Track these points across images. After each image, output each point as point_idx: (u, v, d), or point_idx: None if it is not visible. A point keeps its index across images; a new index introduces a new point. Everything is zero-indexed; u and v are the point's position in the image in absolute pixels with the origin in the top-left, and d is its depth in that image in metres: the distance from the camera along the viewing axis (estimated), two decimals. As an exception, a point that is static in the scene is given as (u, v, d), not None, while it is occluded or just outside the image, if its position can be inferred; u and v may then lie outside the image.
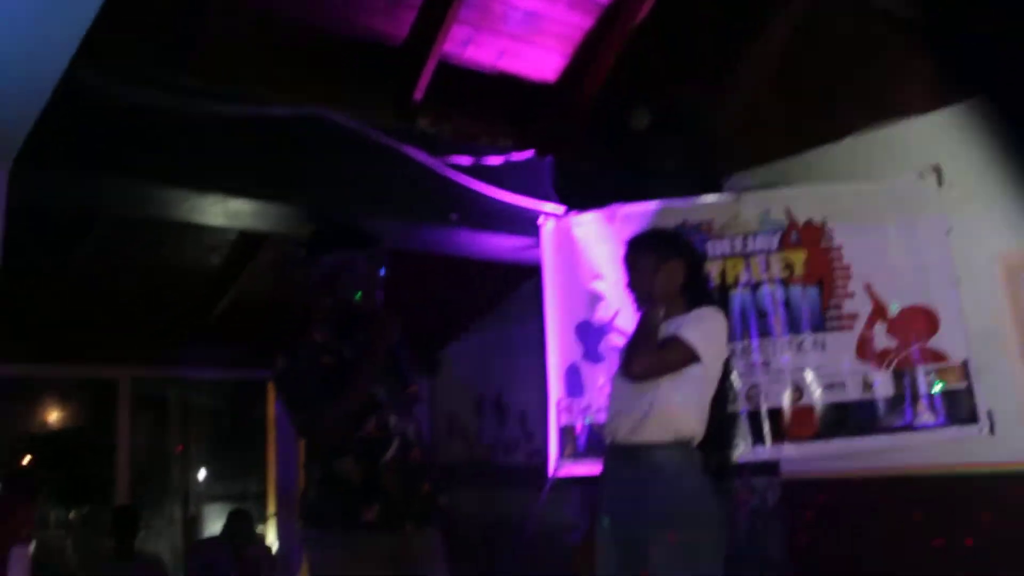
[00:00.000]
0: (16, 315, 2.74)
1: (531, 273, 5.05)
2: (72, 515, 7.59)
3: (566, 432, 4.08)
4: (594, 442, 3.98)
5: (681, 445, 2.63)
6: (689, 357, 2.64)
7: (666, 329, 2.73)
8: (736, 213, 4.02)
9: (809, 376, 3.88)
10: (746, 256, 3.99)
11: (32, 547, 3.30)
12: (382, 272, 2.81)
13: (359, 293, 2.75)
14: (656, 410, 2.63)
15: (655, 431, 2.63)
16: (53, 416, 7.72)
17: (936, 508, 3.73)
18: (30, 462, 6.90)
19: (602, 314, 4.08)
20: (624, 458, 2.67)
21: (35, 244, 4.03)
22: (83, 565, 6.17)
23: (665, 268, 2.77)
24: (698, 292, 2.83)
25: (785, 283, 3.96)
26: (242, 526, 5.51)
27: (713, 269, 3.98)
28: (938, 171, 3.85)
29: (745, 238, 4.00)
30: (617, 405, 2.76)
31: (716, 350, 2.71)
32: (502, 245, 4.34)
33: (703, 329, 2.68)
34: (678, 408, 2.64)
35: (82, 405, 7.74)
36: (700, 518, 2.57)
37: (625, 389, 2.72)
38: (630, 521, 2.62)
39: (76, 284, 4.86)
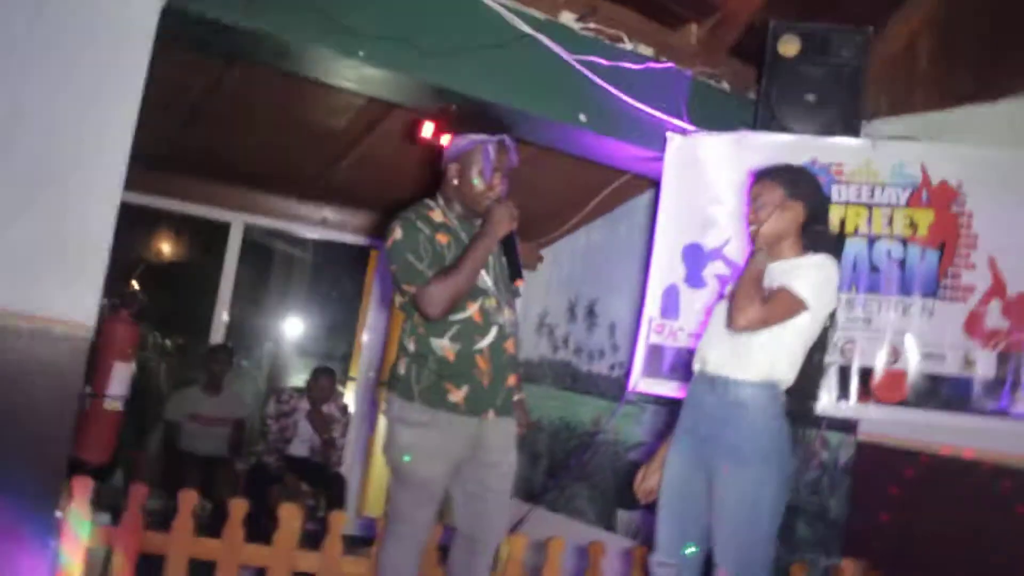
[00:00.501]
0: (146, 146, 2.86)
1: (647, 186, 5.02)
2: (169, 343, 8.00)
3: (653, 351, 4.08)
4: (680, 366, 3.98)
5: (769, 386, 2.61)
6: (797, 309, 2.58)
7: (779, 270, 2.67)
8: (869, 160, 3.88)
9: (909, 341, 3.78)
10: (870, 206, 3.85)
11: (133, 366, 3.49)
12: (511, 161, 2.84)
13: (481, 178, 2.78)
14: (752, 351, 2.61)
15: (747, 369, 2.61)
16: (166, 248, 8.08)
17: (1017, 500, 3.61)
18: (139, 287, 7.26)
19: (712, 240, 4.02)
20: (710, 387, 2.67)
21: (175, 82, 4.14)
22: (174, 390, 6.51)
23: (788, 206, 2.69)
24: (816, 236, 2.74)
25: (905, 241, 3.83)
26: (324, 382, 5.72)
27: (834, 214, 3.86)
28: (1096, 149, 3.62)
29: (873, 188, 3.87)
30: (713, 335, 2.74)
31: (826, 301, 2.65)
32: (625, 153, 4.27)
33: (817, 280, 2.61)
34: (775, 353, 2.61)
35: (193, 242, 8.07)
36: (772, 458, 2.58)
37: (724, 322, 2.68)
38: (705, 449, 2.64)
39: (207, 126, 5.00)
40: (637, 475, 2.85)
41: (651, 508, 4.85)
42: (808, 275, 2.60)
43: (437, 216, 2.80)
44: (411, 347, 2.77)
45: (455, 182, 2.82)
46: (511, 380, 2.83)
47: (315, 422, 5.59)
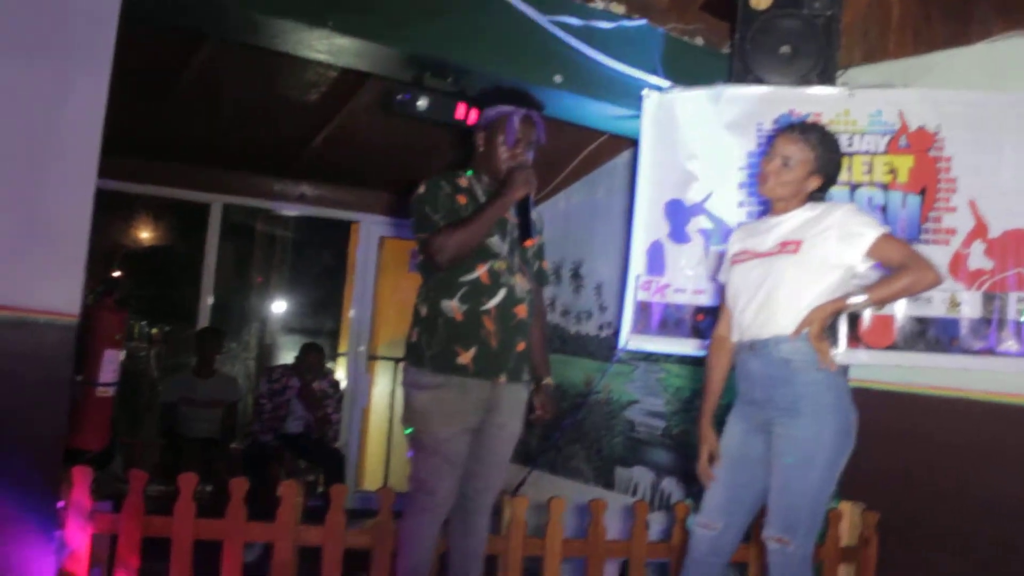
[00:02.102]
0: (119, 133, 2.83)
1: (625, 146, 5.01)
2: (155, 331, 7.98)
3: (641, 308, 4.10)
4: (669, 321, 4.01)
5: (806, 337, 2.57)
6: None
7: (801, 218, 2.66)
8: (846, 109, 3.89)
9: (895, 285, 3.80)
10: (850, 155, 3.86)
11: (122, 352, 3.47)
12: (536, 136, 2.91)
13: (506, 150, 2.85)
14: (779, 307, 2.61)
15: (780, 325, 2.59)
16: (145, 234, 8.03)
17: (1010, 438, 3.66)
18: (122, 273, 7.23)
19: (694, 195, 4.03)
20: (752, 352, 2.65)
21: (144, 65, 4.09)
22: (163, 377, 6.52)
23: (813, 173, 2.68)
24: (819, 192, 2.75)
25: (886, 188, 3.85)
26: (312, 359, 5.73)
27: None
28: (1074, 89, 3.64)
29: (852, 136, 3.87)
30: (739, 302, 2.72)
31: None
32: (602, 113, 4.27)
33: (871, 217, 2.67)
34: (799, 304, 2.58)
35: (173, 227, 8.02)
36: (825, 411, 2.56)
37: (745, 287, 2.70)
38: (761, 413, 2.65)
39: (178, 107, 4.96)
40: (700, 464, 2.77)
41: (648, 465, 4.92)
42: (857, 220, 2.62)
43: (463, 182, 2.89)
44: (423, 312, 2.82)
45: (481, 150, 2.92)
46: (521, 346, 2.87)
47: (307, 399, 5.61)
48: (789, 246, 2.62)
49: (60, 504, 2.74)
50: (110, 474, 4.81)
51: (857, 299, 2.57)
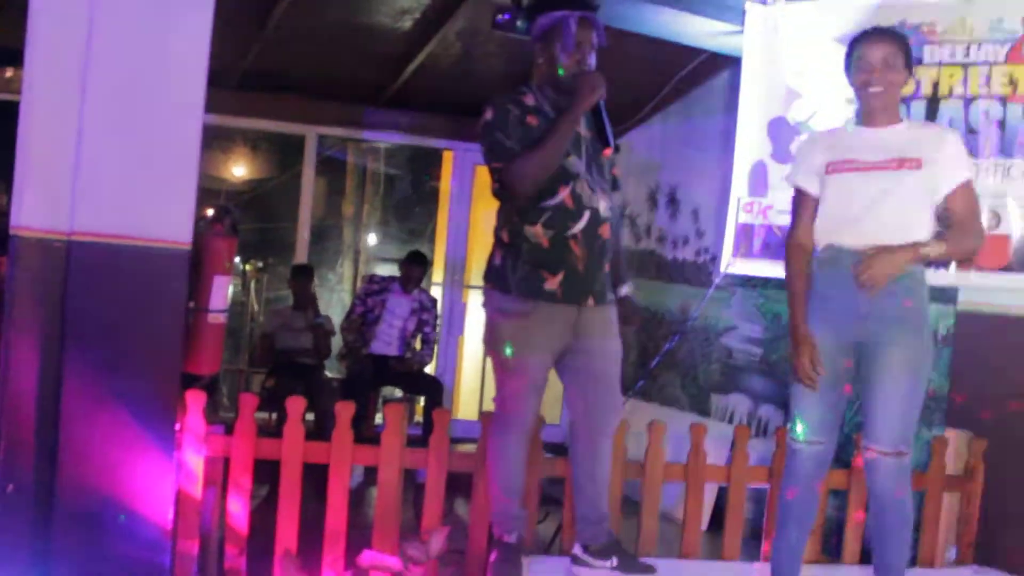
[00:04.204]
0: (215, 65, 2.86)
1: (722, 66, 4.86)
2: (252, 266, 8.17)
3: (743, 231, 4.01)
4: (772, 243, 3.92)
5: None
6: (973, 193, 2.66)
7: (905, 136, 2.65)
8: (963, 17, 3.68)
9: (1011, 204, 3.63)
10: (966, 66, 3.66)
11: (231, 279, 3.53)
12: (596, 38, 2.77)
13: (567, 56, 2.72)
14: (888, 221, 2.60)
15: (895, 236, 2.59)
16: (242, 168, 8.17)
17: None
18: (228, 202, 7.39)
19: (798, 113, 3.90)
20: (859, 262, 2.61)
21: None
22: (263, 309, 6.69)
23: (903, 72, 2.66)
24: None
25: (1004, 100, 3.64)
26: (417, 271, 5.77)
27: (925, 77, 3.70)
28: None
29: (968, 46, 3.67)
30: (839, 212, 2.68)
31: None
32: (703, 29, 4.16)
33: (962, 153, 2.65)
34: (910, 218, 2.61)
35: (270, 159, 8.14)
36: (927, 327, 2.66)
37: (873, 191, 2.64)
38: (861, 327, 2.64)
39: (273, 39, 4.99)
40: (803, 365, 2.72)
41: (748, 391, 4.85)
42: (963, 155, 2.65)
43: (529, 100, 2.76)
44: (505, 237, 2.77)
45: (540, 61, 2.80)
46: (607, 266, 2.81)
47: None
48: (910, 162, 2.61)
49: (176, 427, 2.84)
50: (216, 400, 4.98)
51: (934, 249, 2.59)
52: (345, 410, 3.09)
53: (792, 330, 2.75)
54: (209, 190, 7.51)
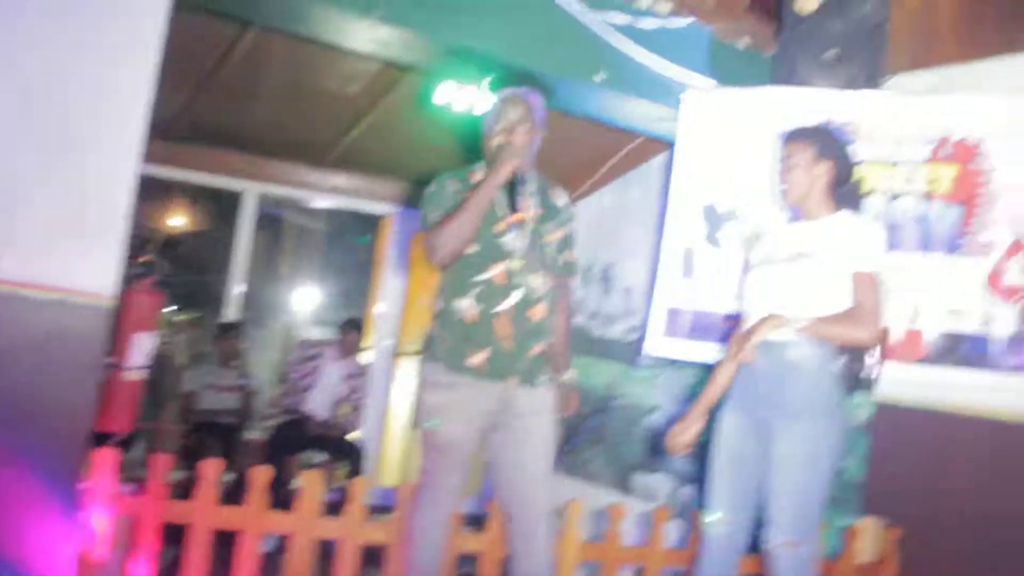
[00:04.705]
0: (158, 117, 2.85)
1: (660, 149, 4.97)
2: (185, 317, 8.03)
3: (670, 313, 4.05)
4: (698, 328, 3.95)
5: (820, 344, 2.63)
6: (877, 283, 2.64)
7: (818, 229, 2.72)
8: (890, 116, 3.82)
9: (929, 299, 3.74)
10: (891, 163, 3.81)
11: (155, 336, 3.47)
12: (532, 116, 2.78)
13: (494, 132, 2.76)
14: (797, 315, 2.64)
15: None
16: (180, 221, 8.08)
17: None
18: (156, 256, 7.27)
19: (729, 200, 3.97)
20: (763, 350, 2.66)
21: (188, 51, 4.11)
22: (189, 364, 6.56)
23: (818, 165, 2.75)
24: (844, 194, 2.81)
25: (927, 197, 3.78)
26: (353, 337, 5.80)
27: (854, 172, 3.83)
28: None
29: (895, 144, 3.81)
30: (756, 303, 2.75)
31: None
32: (641, 112, 4.23)
33: (879, 253, 2.67)
34: (817, 313, 2.64)
35: (207, 214, 8.07)
36: (829, 414, 2.63)
37: (765, 289, 2.72)
38: (761, 410, 2.68)
39: (219, 94, 4.98)
40: (672, 429, 2.81)
41: (671, 471, 4.86)
42: (869, 246, 2.66)
43: (478, 176, 2.78)
44: (438, 308, 2.78)
45: (484, 140, 2.82)
46: (537, 348, 2.77)
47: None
48: (803, 257, 2.69)
49: (83, 485, 2.74)
50: (133, 458, 4.83)
51: (799, 324, 2.60)
52: (260, 475, 3.03)
53: (695, 407, 2.83)
54: (145, 240, 7.40)
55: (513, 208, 2.75)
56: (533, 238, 2.77)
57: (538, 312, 2.75)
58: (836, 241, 2.68)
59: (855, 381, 2.79)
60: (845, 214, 2.75)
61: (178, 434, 5.81)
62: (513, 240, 2.73)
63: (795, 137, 2.81)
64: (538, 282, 2.76)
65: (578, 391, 2.98)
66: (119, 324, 2.91)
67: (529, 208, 2.78)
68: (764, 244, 2.85)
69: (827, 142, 2.79)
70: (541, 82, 2.87)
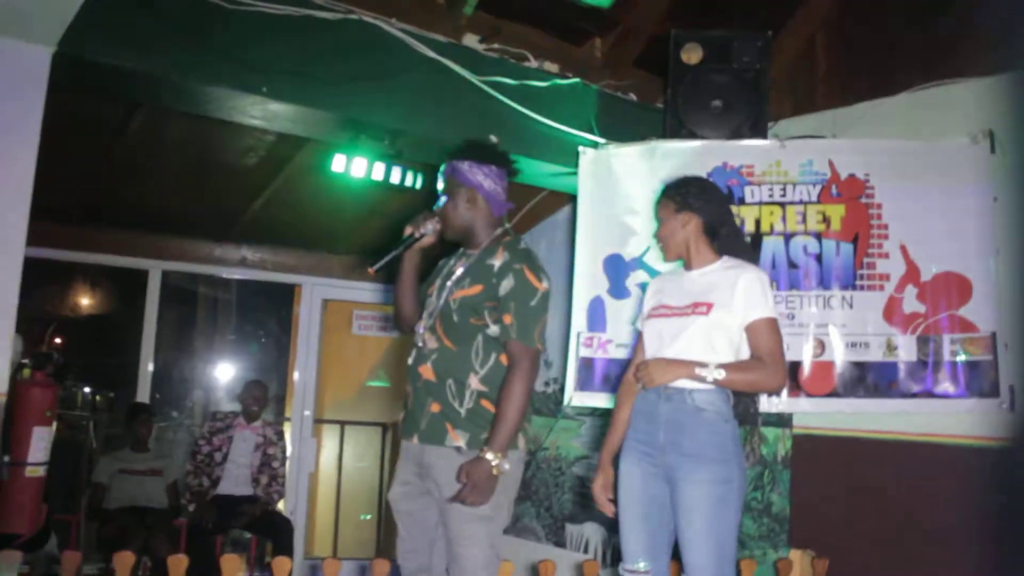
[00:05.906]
0: (54, 199, 2.79)
1: (565, 202, 5.04)
2: (98, 399, 7.78)
3: (584, 364, 4.09)
4: (611, 377, 4.00)
5: (720, 390, 2.69)
6: (775, 325, 2.69)
7: (705, 280, 2.78)
8: (778, 160, 3.97)
9: (833, 332, 3.86)
10: (783, 205, 3.94)
11: (54, 429, 3.34)
12: (445, 184, 2.81)
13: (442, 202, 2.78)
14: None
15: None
16: (84, 302, 7.87)
17: (948, 477, 3.70)
18: (57, 345, 7.04)
19: (632, 249, 4.06)
20: (664, 397, 2.72)
21: (79, 130, 4.05)
22: (102, 448, 6.34)
23: (682, 219, 2.82)
24: (727, 240, 2.86)
25: (820, 236, 3.91)
26: (258, 393, 5.66)
27: (748, 215, 3.95)
28: (992, 136, 3.74)
29: (784, 186, 3.95)
30: (655, 351, 2.79)
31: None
32: (539, 171, 4.31)
33: (765, 291, 2.71)
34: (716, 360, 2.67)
35: (112, 293, 7.88)
36: (732, 457, 2.67)
37: (662, 337, 2.77)
38: (664, 457, 2.70)
39: (114, 173, 4.91)
40: (595, 489, 2.85)
41: (599, 521, 4.87)
42: (766, 298, 2.70)
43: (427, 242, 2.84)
44: None
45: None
46: (435, 407, 2.63)
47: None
48: (701, 307, 2.73)
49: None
50: (47, 555, 4.63)
51: (711, 373, 2.62)
52: (177, 564, 2.94)
53: (600, 456, 2.88)
54: (46, 323, 7.18)
55: (451, 272, 2.76)
56: (446, 296, 2.68)
57: (425, 371, 2.66)
58: (722, 289, 2.72)
59: (751, 417, 2.87)
60: (726, 261, 2.81)
61: (95, 525, 5.60)
62: (431, 301, 2.74)
63: (662, 194, 2.91)
64: (431, 339, 2.68)
65: (489, 473, 2.52)
66: (15, 419, 2.80)
67: (457, 269, 2.75)
68: (660, 294, 2.90)
69: (688, 195, 2.84)
70: (462, 146, 2.84)
